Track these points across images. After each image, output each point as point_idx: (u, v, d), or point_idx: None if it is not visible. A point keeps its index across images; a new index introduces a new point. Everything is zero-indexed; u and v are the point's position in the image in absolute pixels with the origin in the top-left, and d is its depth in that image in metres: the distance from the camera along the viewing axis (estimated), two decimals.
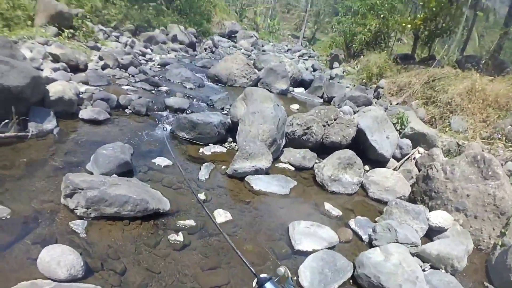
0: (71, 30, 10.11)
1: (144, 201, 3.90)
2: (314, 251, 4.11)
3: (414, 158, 7.14)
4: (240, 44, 21.03)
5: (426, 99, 9.56)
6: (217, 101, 8.46)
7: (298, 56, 20.36)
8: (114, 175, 4.43)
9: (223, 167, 5.63)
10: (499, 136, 7.30)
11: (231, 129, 6.72)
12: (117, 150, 4.73)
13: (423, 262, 4.56)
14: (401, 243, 4.39)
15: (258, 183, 5.31)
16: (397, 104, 10.23)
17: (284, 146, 6.68)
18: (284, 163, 6.41)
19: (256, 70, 11.27)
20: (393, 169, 6.93)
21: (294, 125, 6.69)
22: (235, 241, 3.97)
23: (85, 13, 11.94)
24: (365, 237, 4.78)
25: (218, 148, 6.33)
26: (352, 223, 4.97)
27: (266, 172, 5.64)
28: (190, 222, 4.12)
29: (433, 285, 4.04)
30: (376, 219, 5.27)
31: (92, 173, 4.46)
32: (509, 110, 7.80)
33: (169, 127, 6.68)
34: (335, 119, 7.01)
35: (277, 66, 11.19)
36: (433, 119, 8.81)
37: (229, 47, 19.37)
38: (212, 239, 4.00)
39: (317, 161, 6.70)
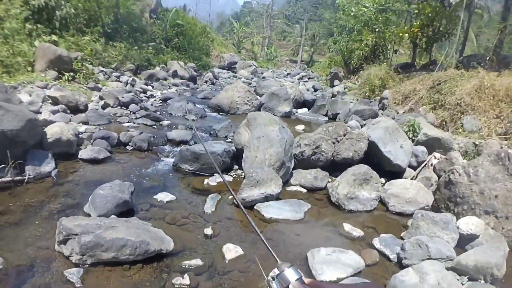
0: (71, 73, 10.24)
1: (144, 243, 3.56)
2: (339, 280, 3.68)
3: (431, 165, 6.70)
4: (240, 73, 21.14)
5: (434, 104, 9.19)
6: (220, 129, 8.23)
7: (298, 79, 20.32)
8: (113, 216, 4.14)
9: (230, 197, 5.28)
10: None
11: (236, 157, 6.42)
12: (115, 189, 4.45)
13: (460, 275, 4.08)
14: (435, 259, 3.94)
15: (269, 210, 4.93)
16: (403, 112, 9.88)
17: (293, 168, 6.33)
18: (295, 185, 6.04)
19: (257, 96, 11.13)
20: (411, 179, 6.50)
21: (302, 146, 6.37)
22: (248, 278, 3.58)
23: (85, 56, 12.13)
24: (393, 256, 4.31)
25: (225, 177, 5.98)
26: (376, 242, 4.52)
27: (277, 197, 5.27)
28: (197, 262, 3.73)
29: None
30: (401, 235, 4.81)
31: (90, 215, 4.19)
32: None
33: (171, 160, 6.45)
34: (344, 135, 6.67)
35: (279, 90, 11.03)
36: (444, 123, 8.42)
37: (229, 78, 19.45)
38: (223, 278, 3.59)
39: (329, 180, 6.32)
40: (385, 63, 13.67)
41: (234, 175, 6.25)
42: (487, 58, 10.65)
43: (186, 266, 3.68)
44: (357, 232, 4.75)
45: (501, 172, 5.08)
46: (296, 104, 11.85)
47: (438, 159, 6.83)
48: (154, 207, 4.82)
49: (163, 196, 5.04)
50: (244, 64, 23.61)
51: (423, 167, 6.69)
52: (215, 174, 6.01)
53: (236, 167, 6.46)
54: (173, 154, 6.72)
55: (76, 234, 3.45)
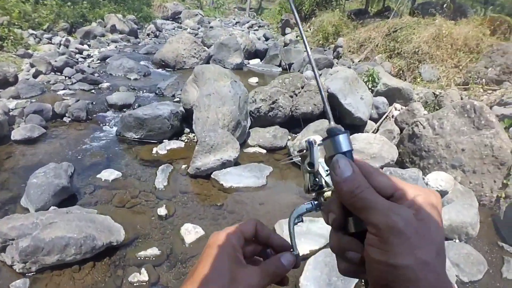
0: None
1: (89, 238, 2.90)
2: (312, 252, 3.24)
3: (392, 116, 6.39)
4: (185, 24, 19.45)
5: (390, 52, 8.83)
6: (166, 88, 7.29)
7: (248, 28, 19.10)
8: (52, 208, 3.37)
9: (183, 166, 4.59)
10: (477, 79, 6.67)
11: (186, 119, 5.63)
12: (50, 175, 3.61)
13: None
14: None
15: (228, 178, 4.32)
16: (359, 61, 9.47)
17: (250, 127, 5.69)
18: (253, 146, 5.44)
19: (205, 48, 10.07)
20: (373, 132, 6.17)
21: (257, 101, 5.70)
22: None
23: (12, 20, 10.27)
24: None
25: (175, 144, 5.23)
26: None
27: (235, 163, 4.66)
28: (154, 251, 3.11)
29: (452, 261, 3.37)
30: None
31: (28, 210, 3.39)
32: (480, 52, 7.18)
33: (114, 129, 5.54)
34: (302, 87, 6.09)
35: (228, 40, 10.05)
36: (401, 72, 8.12)
37: (173, 29, 17.78)
38: (186, 266, 3.02)
39: (289, 137, 5.79)
40: (338, 9, 12.99)
41: (186, 140, 5.50)
42: (444, 5, 10.35)
43: (142, 258, 3.06)
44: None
45: (467, 125, 4.83)
46: (247, 54, 10.97)
47: (399, 110, 6.54)
48: (99, 189, 4.03)
49: (108, 174, 4.24)
50: (189, 14, 21.74)
51: (384, 119, 6.37)
52: (164, 140, 5.24)
53: (187, 130, 5.68)
54: (115, 122, 5.79)
55: (13, 239, 2.77)
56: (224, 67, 8.63)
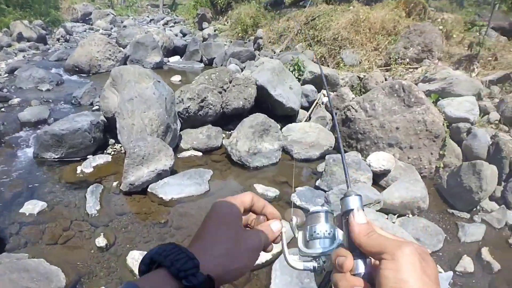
0: None
1: None
2: (274, 256, 2.91)
3: (322, 103, 6.36)
4: (96, 25, 17.79)
5: (310, 40, 8.86)
6: (82, 96, 6.42)
7: (163, 25, 18.08)
8: None
9: (115, 183, 3.98)
10: (398, 60, 6.92)
11: (110, 128, 4.92)
12: None
13: (387, 214, 3.82)
14: (364, 205, 3.51)
15: (167, 190, 3.83)
16: (280, 51, 9.39)
17: (181, 129, 5.18)
18: (188, 150, 4.96)
19: (121, 48, 9.16)
20: (305, 120, 6.08)
21: (185, 101, 5.21)
22: None
23: None
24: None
25: (101, 159, 4.54)
26: (296, 199, 3.91)
27: (172, 171, 4.16)
28: None
29: (413, 236, 3.34)
30: (317, 184, 4.31)
31: None
32: (398, 34, 7.48)
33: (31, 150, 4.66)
34: (230, 82, 5.73)
35: (144, 38, 9.27)
36: (323, 59, 8.17)
37: (85, 31, 16.13)
38: None
39: (224, 136, 5.43)
40: (254, 1, 12.82)
41: (113, 152, 4.82)
42: None
43: None
44: (272, 192, 4.07)
45: (398, 104, 4.91)
46: (166, 52, 10.26)
47: (328, 96, 6.53)
48: (25, 226, 3.28)
49: (32, 207, 3.49)
50: (101, 14, 19.96)
51: (314, 107, 6.30)
52: (88, 156, 4.53)
53: (112, 141, 4.98)
54: (31, 142, 4.86)
55: None
56: (144, 67, 7.98)
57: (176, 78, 8.08)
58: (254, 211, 0.67)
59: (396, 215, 3.76)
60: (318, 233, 0.59)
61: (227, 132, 5.66)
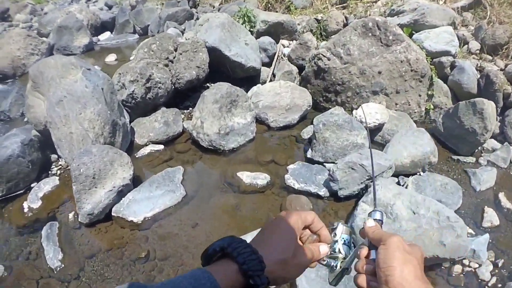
0: None
1: None
2: None
3: (284, 55, 5.47)
4: (16, 20, 14.86)
5: None
6: (10, 108, 4.98)
7: (86, 1, 15.64)
8: None
9: (71, 214, 2.94)
10: None
11: (47, 142, 3.67)
12: None
13: (397, 177, 3.21)
14: (376, 176, 2.85)
15: (136, 209, 2.87)
16: (220, 4, 8.18)
17: (130, 121, 4.11)
18: (145, 146, 3.93)
19: (43, 39, 7.35)
20: (270, 80, 5.20)
21: (127, 85, 4.06)
22: None
23: None
24: (323, 192, 3.07)
25: (47, 184, 3.40)
26: (292, 182, 3.17)
27: (134, 182, 3.15)
28: None
29: (437, 199, 2.76)
30: (309, 156, 3.57)
31: None
32: None
33: None
34: (175, 50, 4.63)
35: (66, 20, 7.49)
36: (269, 5, 7.14)
37: (4, 31, 13.40)
38: None
39: (183, 116, 4.46)
40: None
41: (59, 171, 3.67)
42: None
43: None
44: (262, 178, 3.26)
45: (375, 45, 4.15)
46: (94, 30, 8.49)
47: (289, 46, 5.64)
48: None
49: None
50: (18, 7, 16.54)
51: (276, 61, 5.40)
52: (32, 185, 3.42)
53: (54, 156, 3.78)
54: None
55: None
56: (72, 54, 6.55)
57: (111, 58, 6.67)
58: (310, 229, 0.74)
59: (408, 177, 3.15)
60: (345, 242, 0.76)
61: (185, 111, 4.67)
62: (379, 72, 4.11)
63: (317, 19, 5.85)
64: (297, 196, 2.97)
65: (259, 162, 3.63)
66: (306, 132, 4.00)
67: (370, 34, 4.17)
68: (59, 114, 3.23)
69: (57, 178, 3.55)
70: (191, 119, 4.24)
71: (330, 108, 4.19)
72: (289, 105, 4.29)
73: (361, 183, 2.92)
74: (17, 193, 3.37)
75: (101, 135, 3.28)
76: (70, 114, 3.20)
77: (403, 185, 3.08)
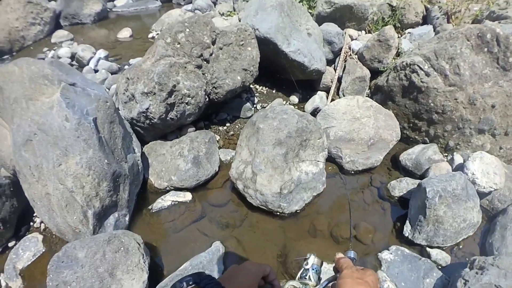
0: None
1: None
2: None
3: (352, 52, 3.93)
4: None
5: None
6: None
7: None
8: None
9: None
10: None
11: (21, 189, 2.31)
12: None
13: None
14: None
15: None
16: None
17: (142, 142, 2.74)
18: (165, 191, 2.56)
19: (47, 5, 5.69)
20: (336, 88, 3.71)
21: (138, 98, 2.58)
22: None
23: None
24: None
25: (26, 249, 2.23)
26: None
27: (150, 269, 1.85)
28: None
29: None
30: (405, 232, 2.25)
31: None
32: None
33: None
34: (213, 42, 3.07)
35: None
36: None
37: None
38: None
39: (218, 139, 3.07)
40: None
41: (44, 234, 2.35)
42: None
43: None
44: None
45: (489, 65, 2.70)
46: None
47: (356, 38, 4.08)
48: None
49: None
50: None
51: (344, 59, 3.88)
52: (10, 245, 2.30)
53: (37, 221, 2.45)
54: None
55: None
56: (81, 23, 5.47)
57: (125, 34, 5.05)
58: (265, 279, 0.81)
59: None
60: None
61: (221, 128, 3.26)
62: (493, 106, 2.67)
63: (391, 5, 4.22)
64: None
65: (334, 237, 2.31)
66: (398, 188, 2.62)
67: (485, 49, 2.69)
68: (27, 162, 1.87)
69: (40, 236, 2.28)
70: (229, 142, 2.88)
71: (416, 141, 2.86)
72: (372, 139, 2.87)
73: None
74: None
75: (95, 196, 1.94)
76: (44, 165, 1.84)
77: None
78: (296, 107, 3.59)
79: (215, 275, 2.02)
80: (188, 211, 2.44)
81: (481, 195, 2.44)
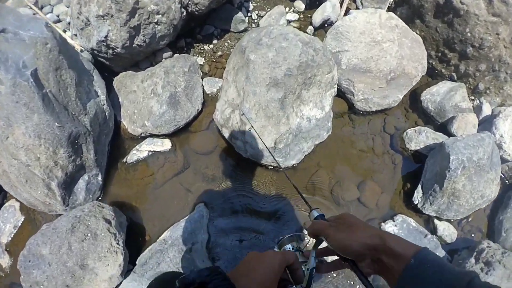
0: None
1: None
2: None
3: None
4: None
5: None
6: None
7: None
8: None
9: None
10: None
11: None
12: None
13: None
14: None
15: None
16: None
17: (107, 71, 2.17)
18: (140, 137, 2.10)
19: None
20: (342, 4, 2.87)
21: (95, 24, 1.83)
22: None
23: None
24: None
25: (8, 223, 1.97)
26: None
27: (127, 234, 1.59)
28: None
29: None
30: (416, 202, 1.97)
31: None
32: None
33: None
34: None
35: None
36: None
37: None
38: None
39: (202, 63, 2.47)
40: None
41: (20, 201, 2.04)
42: None
43: None
44: None
45: None
46: None
47: None
48: None
49: None
50: None
51: None
52: None
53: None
54: None
55: None
56: None
57: None
58: (288, 268, 0.68)
59: None
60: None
61: (206, 47, 2.60)
62: None
63: None
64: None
65: (334, 198, 2.00)
66: (415, 141, 2.17)
67: None
68: None
69: (18, 205, 1.98)
70: (216, 67, 2.34)
71: (442, 75, 2.36)
72: (393, 73, 2.28)
73: None
74: None
75: (55, 166, 1.55)
76: None
77: None
78: (302, 16, 2.84)
79: (199, 247, 1.75)
80: (168, 163, 2.05)
81: (503, 160, 2.07)
